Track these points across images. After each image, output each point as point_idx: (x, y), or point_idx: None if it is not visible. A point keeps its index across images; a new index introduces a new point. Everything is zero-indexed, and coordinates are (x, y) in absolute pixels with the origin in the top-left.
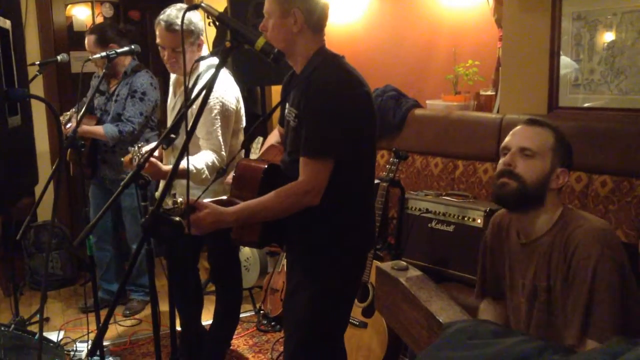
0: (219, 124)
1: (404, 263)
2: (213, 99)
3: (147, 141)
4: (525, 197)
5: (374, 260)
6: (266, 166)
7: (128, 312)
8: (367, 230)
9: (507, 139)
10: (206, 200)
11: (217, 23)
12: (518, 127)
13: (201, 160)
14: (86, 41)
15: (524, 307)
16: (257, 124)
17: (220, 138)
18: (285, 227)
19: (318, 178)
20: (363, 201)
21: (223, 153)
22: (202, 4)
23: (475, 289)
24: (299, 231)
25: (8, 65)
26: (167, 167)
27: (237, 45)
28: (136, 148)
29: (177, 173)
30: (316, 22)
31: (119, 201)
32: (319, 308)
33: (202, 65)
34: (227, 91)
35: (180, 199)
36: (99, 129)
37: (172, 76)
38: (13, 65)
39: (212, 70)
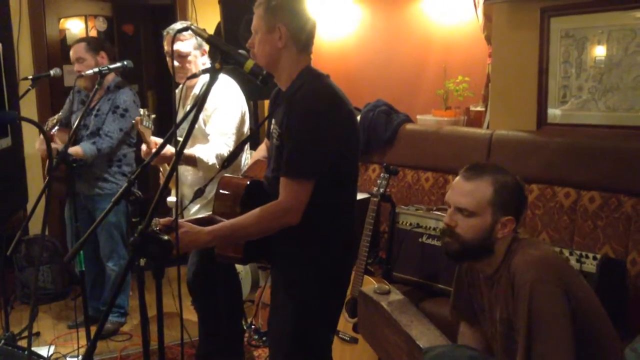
0: (236, 124)
1: (387, 287)
2: (233, 104)
3: (125, 156)
4: (470, 253)
5: (365, 275)
6: (248, 182)
7: (103, 333)
8: (349, 246)
9: (447, 193)
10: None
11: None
12: (457, 179)
13: (211, 150)
14: (74, 49)
15: (498, 336)
16: (246, 140)
17: (229, 131)
18: (269, 243)
19: (297, 198)
20: (345, 218)
21: (232, 145)
22: (192, 27)
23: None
24: (281, 247)
25: None
26: (172, 150)
27: (226, 67)
28: (146, 111)
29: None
30: (302, 40)
31: (94, 217)
32: (302, 324)
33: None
34: (237, 101)
35: (155, 219)
36: (78, 150)
37: (178, 92)
38: (3, 87)
39: (219, 79)
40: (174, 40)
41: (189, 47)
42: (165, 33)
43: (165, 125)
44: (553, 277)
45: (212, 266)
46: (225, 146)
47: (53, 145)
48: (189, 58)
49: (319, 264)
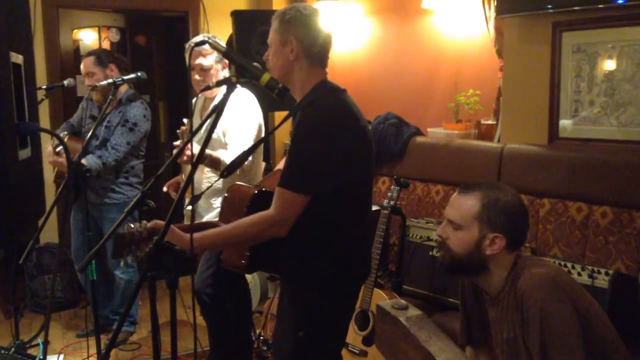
0: (254, 136)
1: (404, 302)
2: (252, 116)
3: (133, 168)
4: (460, 267)
5: (375, 288)
6: (256, 192)
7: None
8: (359, 262)
9: (446, 207)
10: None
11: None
12: (454, 195)
13: (229, 158)
14: (83, 63)
15: (504, 356)
16: (250, 150)
17: (248, 141)
18: (276, 254)
19: (288, 211)
20: (353, 234)
21: (250, 158)
22: (210, 40)
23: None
24: (286, 260)
25: (19, 99)
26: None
27: (243, 80)
28: (189, 121)
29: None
30: (314, 53)
31: (101, 226)
32: (305, 340)
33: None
34: (256, 112)
35: (144, 222)
36: (83, 162)
37: (198, 104)
38: (24, 99)
39: (238, 91)
40: (192, 53)
41: (211, 61)
42: (187, 46)
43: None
44: (562, 295)
45: (221, 276)
46: None
47: (58, 159)
48: (211, 72)
49: (322, 280)
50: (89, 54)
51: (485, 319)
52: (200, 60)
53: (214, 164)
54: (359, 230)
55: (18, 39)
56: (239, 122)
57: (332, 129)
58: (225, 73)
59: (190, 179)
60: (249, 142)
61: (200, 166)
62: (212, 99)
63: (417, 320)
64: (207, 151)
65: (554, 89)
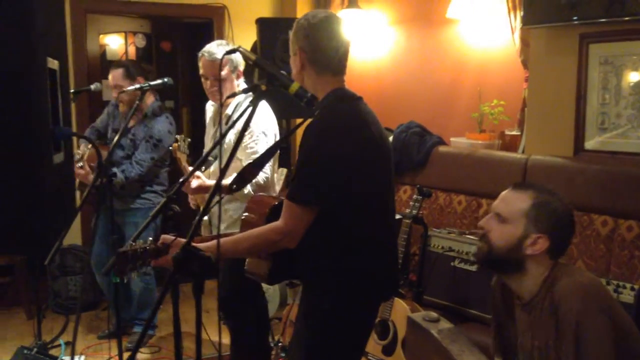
0: (266, 146)
1: (435, 314)
2: (257, 132)
3: (157, 177)
4: (494, 262)
5: (395, 298)
6: (276, 203)
7: (130, 345)
8: (379, 275)
9: (495, 201)
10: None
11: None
12: (505, 190)
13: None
14: (112, 75)
15: None
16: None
17: (269, 163)
18: (296, 266)
19: (295, 223)
20: (370, 245)
21: (267, 170)
22: (240, 49)
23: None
24: (303, 272)
25: (54, 103)
26: (210, 182)
27: (272, 89)
28: (183, 137)
29: (218, 190)
30: (321, 61)
31: (123, 230)
32: (314, 353)
33: (241, 94)
34: (270, 123)
35: (150, 239)
36: None
37: (208, 107)
38: (59, 104)
39: (249, 98)
40: (204, 63)
41: (226, 71)
42: (200, 55)
43: (201, 144)
44: (600, 306)
45: (241, 284)
46: (262, 173)
47: (79, 172)
48: (227, 82)
49: (336, 292)
50: (118, 65)
51: (512, 325)
52: (214, 72)
53: (226, 191)
54: (377, 242)
55: (54, 45)
56: (254, 137)
57: (333, 138)
58: (239, 82)
59: (218, 186)
60: (259, 151)
61: (216, 175)
62: (225, 107)
63: (448, 333)
64: (210, 182)
65: (580, 100)
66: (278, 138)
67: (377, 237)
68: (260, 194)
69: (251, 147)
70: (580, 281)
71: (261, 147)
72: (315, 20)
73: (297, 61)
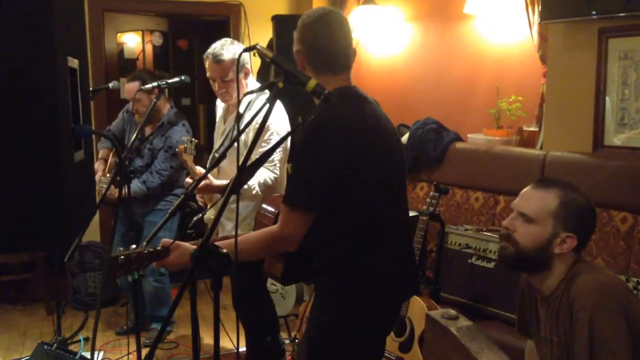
0: (281, 151)
1: (454, 312)
2: (270, 132)
3: (177, 181)
4: (523, 262)
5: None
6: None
7: (148, 341)
8: (390, 277)
9: (516, 199)
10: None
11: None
12: (527, 187)
13: (255, 177)
14: (128, 89)
15: (552, 359)
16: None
17: (275, 157)
18: (310, 267)
19: (293, 227)
20: (380, 247)
21: (277, 171)
22: (258, 47)
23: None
24: (317, 274)
25: (75, 102)
26: (218, 182)
27: (289, 86)
28: (190, 138)
29: (230, 191)
30: (319, 59)
31: (142, 229)
32: (319, 352)
33: (250, 95)
34: (282, 122)
35: (144, 243)
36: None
37: (219, 103)
38: (79, 102)
39: (262, 97)
40: (210, 65)
41: (232, 73)
42: (205, 57)
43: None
44: (614, 304)
45: (252, 281)
46: (271, 174)
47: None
48: (234, 83)
49: (346, 294)
50: (134, 78)
51: (534, 319)
52: (220, 74)
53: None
54: (387, 242)
55: (74, 43)
56: (266, 133)
57: (327, 139)
58: (249, 81)
59: (236, 186)
60: (276, 158)
61: (224, 173)
62: (235, 105)
63: (468, 331)
64: (224, 182)
65: (599, 96)
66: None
67: (387, 237)
68: (276, 194)
69: (263, 147)
70: (598, 278)
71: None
72: (309, 20)
73: (297, 59)
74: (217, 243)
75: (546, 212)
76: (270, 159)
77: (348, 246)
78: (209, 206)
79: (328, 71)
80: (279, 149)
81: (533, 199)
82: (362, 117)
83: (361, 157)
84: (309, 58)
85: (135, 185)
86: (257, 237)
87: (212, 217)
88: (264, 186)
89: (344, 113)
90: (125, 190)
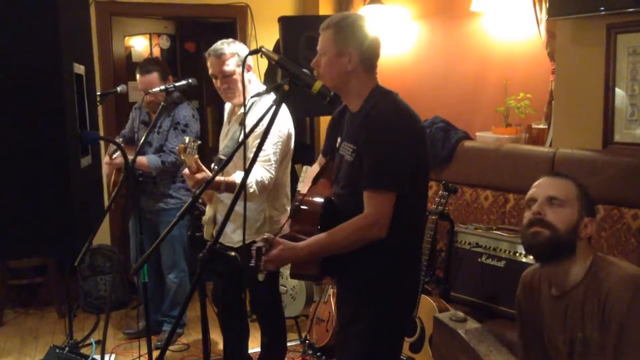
0: (280, 150)
1: (462, 314)
2: (279, 129)
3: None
4: (558, 246)
5: (422, 295)
6: (323, 200)
7: (159, 343)
8: (418, 263)
9: (531, 190)
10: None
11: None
12: (541, 179)
13: (251, 176)
14: (146, 81)
15: (563, 357)
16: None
17: (272, 157)
18: (341, 259)
19: (383, 211)
20: (417, 235)
21: (273, 171)
22: (263, 49)
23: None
24: (357, 264)
25: (81, 108)
26: (207, 174)
27: (295, 88)
28: (191, 139)
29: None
30: (371, 62)
31: (158, 230)
32: (376, 341)
33: (255, 92)
34: (283, 123)
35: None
36: (143, 160)
37: (227, 106)
38: (85, 108)
39: (265, 98)
40: (211, 61)
41: (232, 66)
42: (207, 55)
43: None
44: None
45: (235, 294)
46: (267, 173)
47: (115, 161)
48: (234, 77)
49: (394, 280)
50: (150, 70)
51: (539, 321)
52: (221, 67)
53: (229, 188)
54: (421, 231)
55: (80, 49)
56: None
57: (403, 128)
58: (249, 76)
59: (242, 186)
60: (273, 158)
61: (225, 172)
62: (240, 105)
63: (476, 333)
64: (219, 178)
65: (608, 92)
66: (293, 139)
67: (423, 224)
68: (301, 193)
69: (264, 151)
70: (631, 272)
71: (273, 151)
72: (362, 22)
73: (343, 63)
74: (306, 242)
75: (573, 195)
76: (267, 158)
77: (401, 236)
78: (207, 206)
79: (373, 70)
80: (279, 150)
81: (558, 184)
82: (411, 109)
83: (422, 145)
84: (368, 59)
85: (151, 157)
86: (347, 229)
87: (210, 214)
88: (261, 185)
89: (405, 105)
90: (133, 192)
